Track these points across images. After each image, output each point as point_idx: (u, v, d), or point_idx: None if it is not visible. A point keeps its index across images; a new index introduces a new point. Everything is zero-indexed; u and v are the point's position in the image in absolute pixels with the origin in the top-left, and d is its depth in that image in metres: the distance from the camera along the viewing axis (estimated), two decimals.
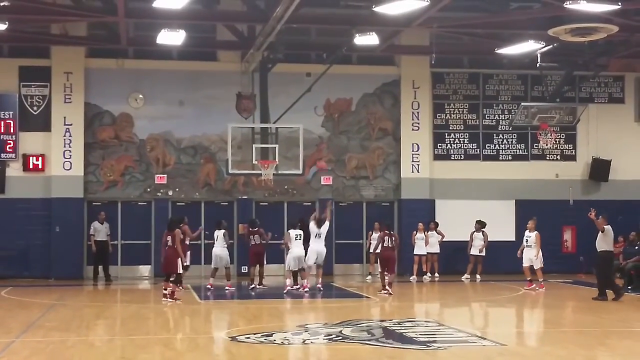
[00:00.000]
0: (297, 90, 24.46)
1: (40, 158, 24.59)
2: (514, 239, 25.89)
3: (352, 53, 25.08)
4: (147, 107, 25.28)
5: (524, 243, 21.20)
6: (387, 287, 19.68)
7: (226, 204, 25.69)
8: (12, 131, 24.43)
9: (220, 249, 20.90)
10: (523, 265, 21.08)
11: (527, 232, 21.28)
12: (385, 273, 19.87)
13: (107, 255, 24.26)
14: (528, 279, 20.96)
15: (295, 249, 20.24)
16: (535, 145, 26.67)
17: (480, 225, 24.03)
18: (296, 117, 23.99)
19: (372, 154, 26.24)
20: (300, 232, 20.42)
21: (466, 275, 23.97)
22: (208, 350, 12.37)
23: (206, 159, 25.43)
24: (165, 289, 18.20)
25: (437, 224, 24.57)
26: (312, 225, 20.28)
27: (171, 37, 21.68)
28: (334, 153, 26.04)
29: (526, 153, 26.93)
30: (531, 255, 20.97)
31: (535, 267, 20.93)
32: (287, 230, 21.17)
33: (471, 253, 23.99)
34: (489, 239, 23.93)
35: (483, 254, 23.93)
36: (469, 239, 24.01)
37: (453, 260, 24.78)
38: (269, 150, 22.93)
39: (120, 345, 12.39)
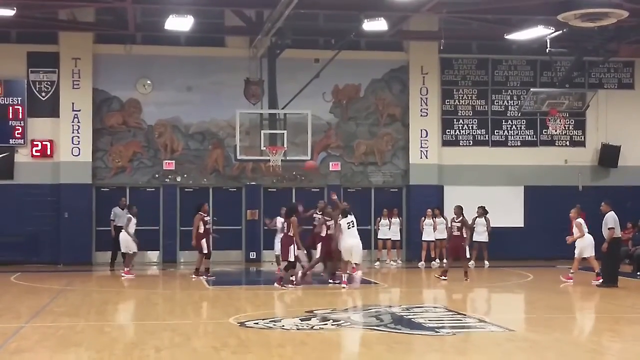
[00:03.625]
0: (306, 76, 24.40)
1: (48, 144, 24.63)
2: (522, 225, 25.93)
3: (361, 39, 25.01)
4: (155, 93, 25.27)
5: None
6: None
7: (234, 190, 25.71)
8: (20, 117, 24.45)
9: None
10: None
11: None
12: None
13: None
14: (572, 271, 19.49)
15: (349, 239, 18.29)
16: (544, 131, 26.62)
17: (483, 211, 23.95)
18: (304, 103, 23.97)
19: (380, 140, 26.20)
20: (353, 219, 18.37)
21: (471, 262, 23.93)
22: (216, 335, 12.39)
23: (214, 145, 25.42)
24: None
25: (441, 210, 24.49)
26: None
27: (179, 23, 21.67)
28: (342, 139, 26.00)
29: (535, 139, 26.86)
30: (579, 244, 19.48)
31: (584, 256, 19.38)
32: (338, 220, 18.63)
33: (474, 239, 23.89)
34: (497, 225, 23.86)
35: (486, 239, 23.85)
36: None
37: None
38: (277, 136, 22.91)
39: (130, 331, 12.41)
